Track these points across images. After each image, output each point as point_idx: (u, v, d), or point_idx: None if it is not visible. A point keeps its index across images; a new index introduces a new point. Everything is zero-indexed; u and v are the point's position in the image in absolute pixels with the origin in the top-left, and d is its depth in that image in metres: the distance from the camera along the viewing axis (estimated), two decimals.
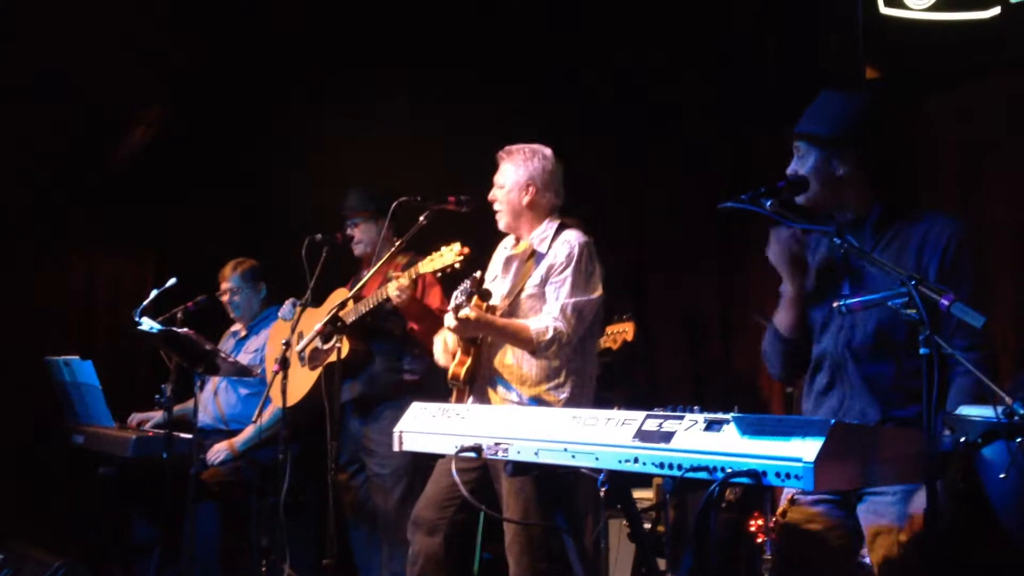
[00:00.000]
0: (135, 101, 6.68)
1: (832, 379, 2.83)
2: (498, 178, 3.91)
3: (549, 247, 3.82)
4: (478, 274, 3.82)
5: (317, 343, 4.71)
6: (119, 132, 6.83)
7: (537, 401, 3.73)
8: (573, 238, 3.80)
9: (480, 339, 3.82)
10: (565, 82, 6.24)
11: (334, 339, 4.32)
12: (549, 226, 3.87)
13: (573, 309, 3.69)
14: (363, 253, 4.95)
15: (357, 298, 4.61)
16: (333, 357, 4.38)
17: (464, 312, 3.60)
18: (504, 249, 4.01)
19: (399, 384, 4.77)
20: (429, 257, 4.03)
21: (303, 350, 4.71)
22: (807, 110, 2.88)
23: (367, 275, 4.39)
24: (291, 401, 4.82)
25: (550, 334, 3.64)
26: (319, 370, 4.69)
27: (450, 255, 3.94)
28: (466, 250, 3.94)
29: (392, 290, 4.18)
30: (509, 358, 3.78)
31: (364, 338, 4.77)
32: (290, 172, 6.60)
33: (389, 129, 6.21)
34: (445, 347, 3.93)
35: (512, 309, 3.81)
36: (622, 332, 4.95)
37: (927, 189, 4.97)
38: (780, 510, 2.88)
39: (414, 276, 4.11)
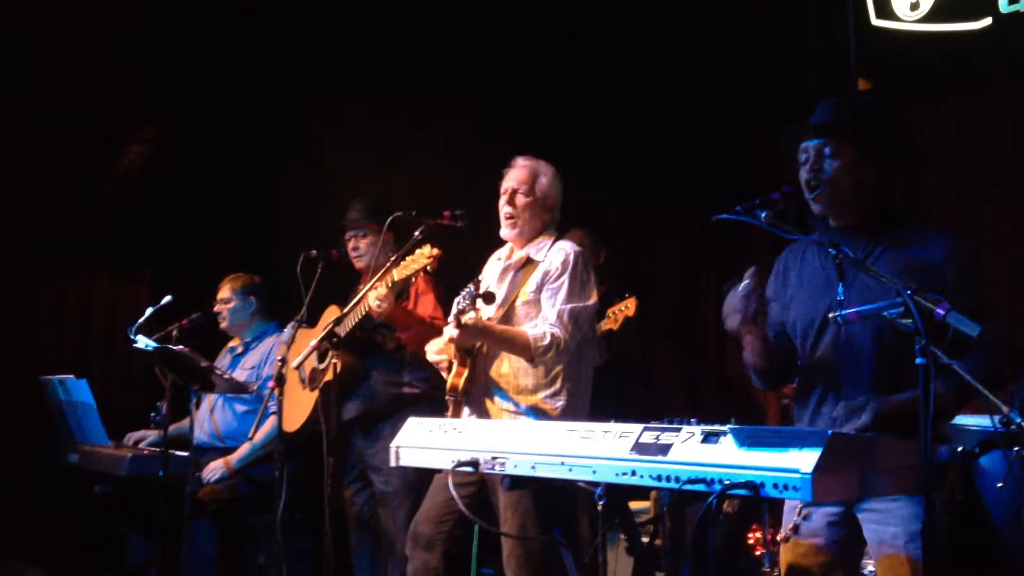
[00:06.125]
0: (131, 120, 6.70)
1: (827, 388, 2.83)
2: (522, 186, 3.87)
3: (544, 256, 3.84)
4: (480, 278, 3.82)
5: (315, 363, 4.69)
6: (116, 151, 6.84)
7: (534, 410, 3.72)
8: (567, 247, 3.83)
9: (476, 350, 3.82)
10: (563, 93, 6.26)
11: (328, 357, 4.29)
12: (547, 239, 3.90)
13: (570, 315, 3.70)
14: (365, 266, 4.87)
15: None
16: (328, 375, 4.34)
17: (467, 317, 3.59)
18: (498, 260, 4.01)
19: (400, 398, 4.74)
20: (403, 263, 4.01)
21: (299, 366, 4.68)
22: (826, 108, 2.87)
23: (363, 290, 4.38)
24: (296, 424, 4.80)
25: (547, 340, 3.64)
26: (318, 391, 4.66)
27: (421, 259, 3.92)
28: (436, 251, 3.91)
29: (372, 300, 4.12)
30: (505, 367, 3.78)
31: (359, 354, 4.75)
32: (286, 191, 6.61)
33: (387, 147, 6.23)
34: (435, 346, 3.88)
35: (507, 317, 3.81)
36: (623, 310, 4.91)
37: (920, 198, 4.98)
38: (783, 535, 2.87)
39: (390, 284, 4.08)
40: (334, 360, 4.31)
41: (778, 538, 2.86)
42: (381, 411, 4.73)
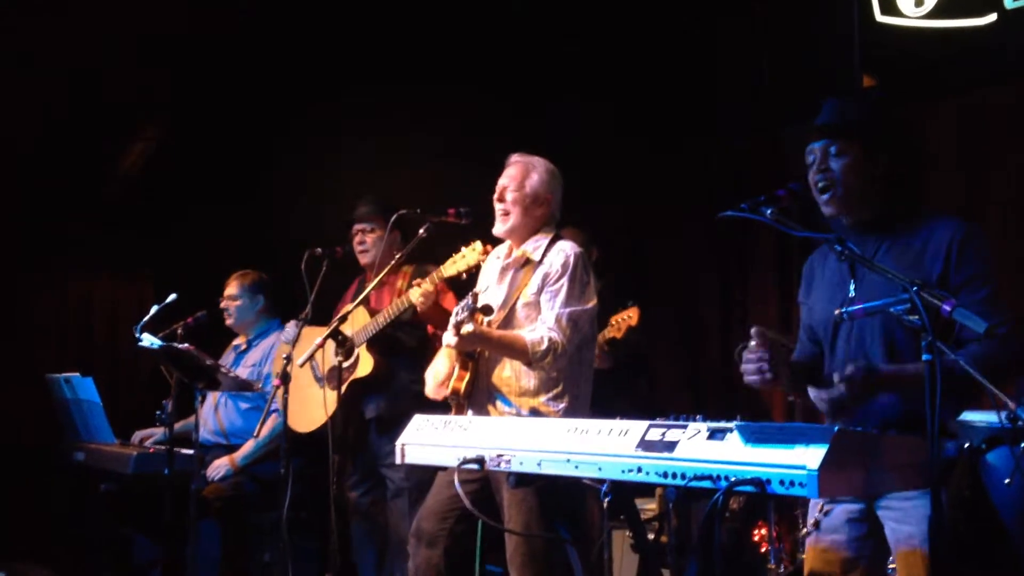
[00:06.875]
0: (131, 120, 6.70)
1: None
2: (511, 182, 3.87)
3: (543, 256, 3.83)
4: (477, 290, 3.82)
5: (334, 362, 4.66)
6: (116, 151, 6.84)
7: (535, 413, 3.72)
8: (568, 248, 3.82)
9: (478, 354, 3.82)
10: (563, 93, 6.27)
11: (354, 355, 4.26)
12: (544, 237, 3.89)
13: (568, 319, 3.70)
14: (370, 262, 4.84)
15: (370, 312, 4.58)
16: (357, 373, 4.28)
17: (466, 328, 3.60)
18: (497, 259, 4.00)
19: (420, 395, 4.72)
20: (451, 260, 3.98)
21: (307, 363, 4.64)
22: (830, 107, 2.88)
23: (369, 287, 4.37)
24: (317, 424, 4.72)
25: (545, 344, 3.64)
26: (342, 389, 4.64)
27: (473, 255, 3.91)
28: (489, 247, 3.90)
29: (416, 296, 4.09)
30: (507, 371, 3.78)
31: (384, 353, 4.72)
32: (286, 191, 6.61)
33: (387, 147, 6.23)
34: (435, 379, 3.90)
35: (508, 319, 3.81)
36: (626, 319, 4.91)
37: (926, 195, 4.99)
38: (804, 531, 2.86)
39: (437, 280, 4.08)
40: (340, 358, 4.30)
41: (800, 534, 2.85)
42: (405, 409, 4.68)
